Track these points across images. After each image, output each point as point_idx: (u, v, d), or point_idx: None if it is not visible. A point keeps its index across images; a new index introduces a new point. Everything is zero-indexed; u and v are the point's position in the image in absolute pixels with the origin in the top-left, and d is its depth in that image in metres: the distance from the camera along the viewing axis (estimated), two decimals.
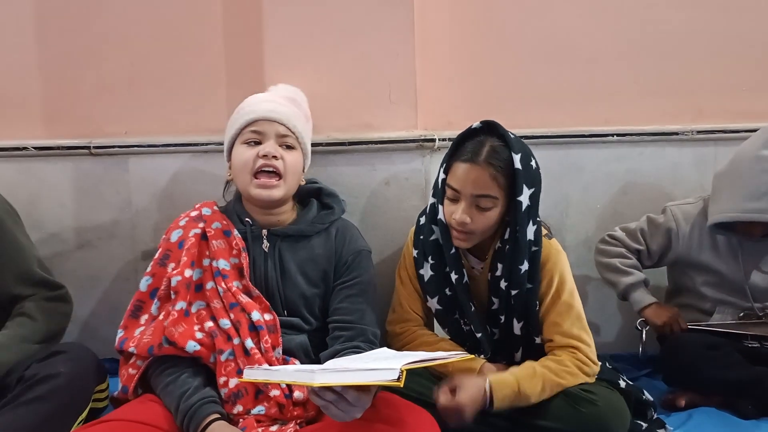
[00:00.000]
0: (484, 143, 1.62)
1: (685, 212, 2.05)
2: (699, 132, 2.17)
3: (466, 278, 1.72)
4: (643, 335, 2.00)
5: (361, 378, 1.30)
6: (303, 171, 1.76)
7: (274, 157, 1.64)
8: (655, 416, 1.80)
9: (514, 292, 1.68)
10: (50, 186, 2.06)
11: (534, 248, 1.68)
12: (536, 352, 1.73)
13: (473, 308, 1.72)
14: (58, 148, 2.05)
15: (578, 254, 2.13)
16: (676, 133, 2.18)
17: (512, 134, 1.65)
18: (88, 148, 2.05)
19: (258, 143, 1.67)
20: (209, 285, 1.64)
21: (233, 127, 1.71)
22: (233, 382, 1.54)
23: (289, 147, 1.69)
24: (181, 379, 1.53)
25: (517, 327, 1.72)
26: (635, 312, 2.04)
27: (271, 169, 1.64)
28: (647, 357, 2.02)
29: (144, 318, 1.65)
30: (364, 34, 1.98)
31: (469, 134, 1.66)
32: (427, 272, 1.75)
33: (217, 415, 1.48)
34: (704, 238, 2.02)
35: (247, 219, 1.70)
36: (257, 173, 1.64)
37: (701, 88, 2.20)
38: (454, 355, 1.50)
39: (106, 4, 2.07)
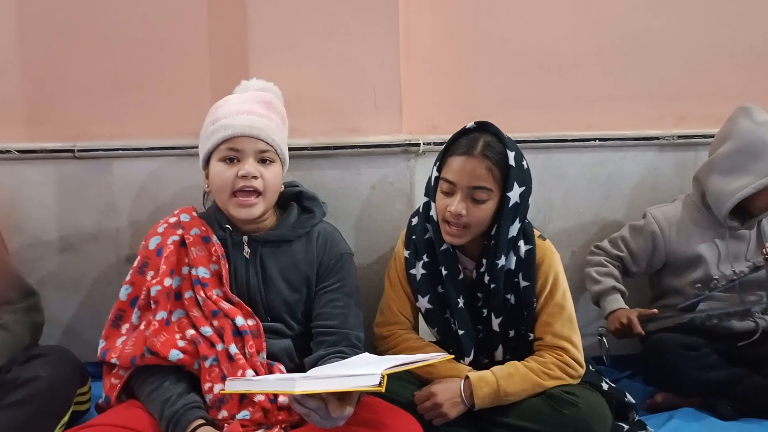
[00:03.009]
0: (479, 138, 1.65)
1: (666, 213, 2.07)
2: (680, 137, 2.19)
3: (462, 275, 1.73)
4: (604, 341, 2.00)
5: (342, 384, 1.31)
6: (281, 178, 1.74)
7: (254, 177, 1.61)
8: (637, 418, 1.83)
9: (492, 286, 1.70)
10: (33, 189, 2.05)
11: (525, 247, 1.70)
12: (519, 352, 1.75)
13: (460, 305, 1.73)
14: (41, 151, 2.04)
15: (561, 258, 2.14)
16: (658, 138, 2.20)
17: (506, 135, 1.68)
18: (71, 151, 2.04)
19: (236, 160, 1.62)
20: (188, 294, 1.63)
21: (209, 140, 1.64)
22: (218, 388, 1.54)
23: (269, 161, 1.65)
24: (165, 386, 1.53)
25: (495, 323, 1.73)
26: (603, 319, 2.05)
27: (250, 188, 1.62)
28: (595, 358, 2.01)
29: (125, 327, 1.64)
30: (349, 38, 1.98)
31: (463, 133, 1.69)
32: (419, 271, 1.76)
33: (201, 421, 1.48)
34: (692, 232, 2.04)
35: (227, 225, 1.69)
36: (236, 192, 1.62)
37: (682, 93, 2.23)
38: (435, 357, 1.52)
39: (90, 6, 2.05)
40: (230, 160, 1.63)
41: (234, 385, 1.39)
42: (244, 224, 1.69)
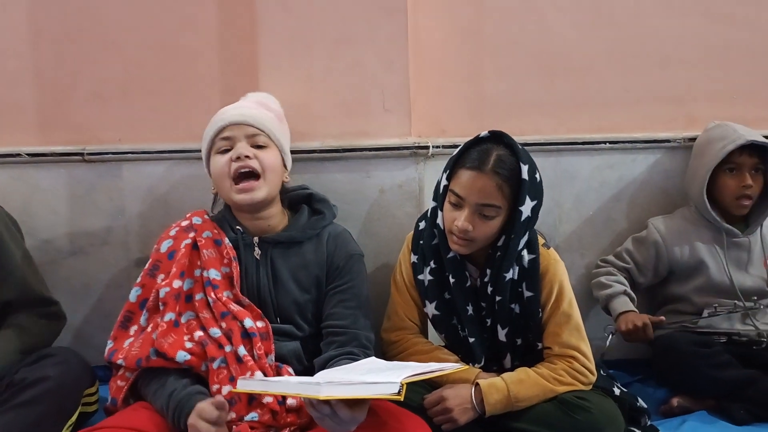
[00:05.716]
0: (491, 151, 1.61)
1: (666, 222, 2.12)
2: (690, 139, 2.17)
3: (469, 282, 1.72)
4: (607, 341, 2.00)
5: (364, 391, 1.33)
6: (286, 169, 1.75)
7: (247, 157, 1.64)
8: (649, 423, 1.81)
9: (498, 299, 1.69)
10: (43, 192, 2.06)
11: (529, 256, 1.69)
12: (527, 360, 1.74)
13: (470, 312, 1.72)
14: (51, 154, 2.05)
15: (571, 261, 2.13)
16: (668, 141, 2.19)
17: (520, 145, 1.64)
18: (81, 154, 2.05)
19: (230, 149, 1.66)
20: (198, 296, 1.64)
21: (205, 139, 1.71)
22: (226, 389, 1.53)
23: (262, 146, 1.68)
24: (169, 382, 1.53)
25: (501, 333, 1.72)
26: (614, 321, 2.04)
27: (247, 170, 1.64)
28: (606, 362, 2.02)
29: (133, 329, 1.65)
30: (359, 42, 1.98)
31: (476, 142, 1.66)
32: (426, 277, 1.75)
33: None
34: (692, 240, 2.08)
35: (238, 227, 1.70)
36: (236, 178, 1.64)
37: (693, 96, 2.22)
38: (452, 367, 1.51)
39: (101, 11, 2.07)
40: (225, 150, 1.67)
41: (247, 385, 1.39)
42: (254, 219, 1.70)
